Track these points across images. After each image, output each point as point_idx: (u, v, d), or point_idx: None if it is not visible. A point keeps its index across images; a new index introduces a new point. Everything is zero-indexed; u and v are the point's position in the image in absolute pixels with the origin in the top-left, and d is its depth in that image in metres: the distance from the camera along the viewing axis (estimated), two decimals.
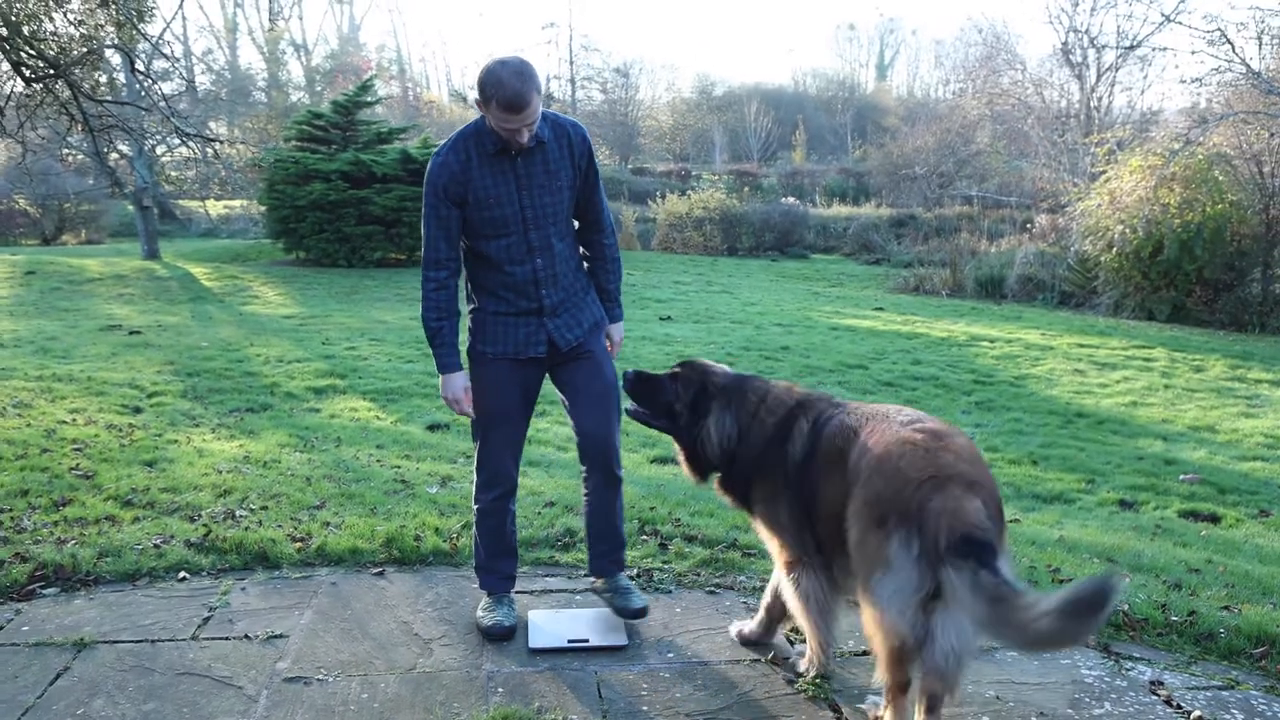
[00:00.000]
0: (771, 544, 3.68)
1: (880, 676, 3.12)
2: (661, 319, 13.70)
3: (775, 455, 3.53)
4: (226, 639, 3.85)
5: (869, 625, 3.06)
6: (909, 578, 2.85)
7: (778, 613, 3.85)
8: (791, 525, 3.50)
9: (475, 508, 4.10)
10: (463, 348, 3.97)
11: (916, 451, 2.98)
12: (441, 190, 3.72)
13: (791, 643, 3.93)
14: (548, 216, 3.79)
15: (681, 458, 3.85)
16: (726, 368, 3.83)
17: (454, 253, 3.84)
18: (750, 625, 3.92)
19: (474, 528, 4.12)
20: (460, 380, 3.92)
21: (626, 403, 3.91)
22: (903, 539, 2.85)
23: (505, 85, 3.46)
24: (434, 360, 3.96)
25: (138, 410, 7.97)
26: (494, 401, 3.97)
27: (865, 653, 3.85)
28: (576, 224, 4.04)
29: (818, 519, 3.39)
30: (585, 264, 4.11)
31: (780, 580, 3.65)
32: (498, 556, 4.09)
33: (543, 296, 3.85)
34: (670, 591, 4.42)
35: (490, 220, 3.74)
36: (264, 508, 5.34)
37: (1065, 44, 26.59)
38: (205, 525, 4.98)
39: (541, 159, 3.75)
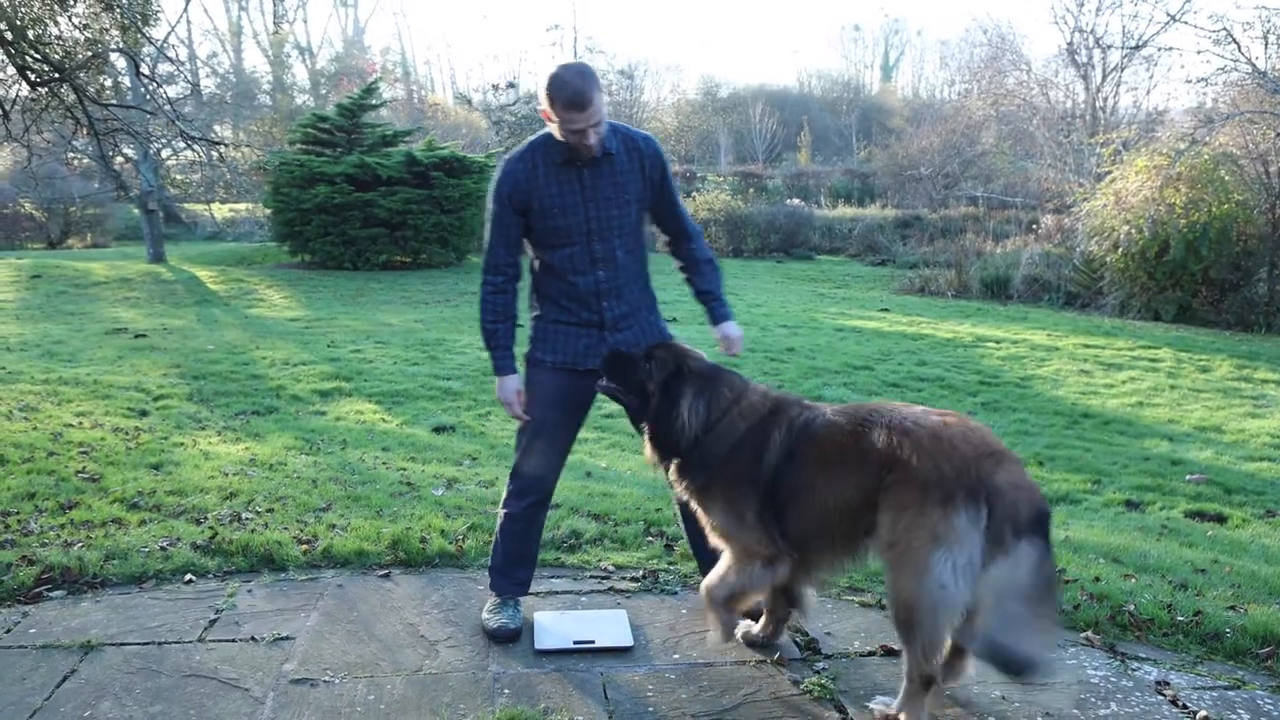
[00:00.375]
0: (729, 540, 3.61)
1: (911, 668, 3.12)
2: (667, 321, 13.57)
3: (749, 458, 3.51)
4: (233, 641, 3.86)
5: (908, 602, 3.04)
6: (976, 552, 2.91)
7: (783, 614, 3.86)
8: (759, 524, 3.50)
9: (503, 511, 4.06)
10: (519, 351, 3.99)
11: (962, 431, 3.09)
12: (505, 197, 3.75)
13: (798, 645, 3.93)
14: (613, 229, 3.79)
15: (646, 438, 3.75)
16: (702, 354, 3.78)
17: (513, 259, 3.87)
18: (755, 627, 3.92)
19: (497, 530, 4.08)
20: (514, 383, 3.93)
21: (600, 379, 3.83)
22: (972, 514, 2.91)
23: (567, 84, 3.50)
24: (491, 362, 3.99)
25: (144, 413, 7.99)
26: (545, 409, 3.94)
27: (871, 653, 3.85)
28: (662, 236, 4.03)
29: (799, 516, 3.41)
30: (682, 273, 4.10)
31: (750, 568, 3.56)
32: (516, 563, 4.07)
33: (604, 309, 3.86)
34: (676, 593, 4.42)
35: (554, 229, 3.77)
36: (270, 510, 5.35)
37: (1070, 44, 26.57)
38: (211, 528, 4.99)
39: (610, 171, 3.74)
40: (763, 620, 3.92)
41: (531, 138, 3.82)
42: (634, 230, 3.89)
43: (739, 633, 3.92)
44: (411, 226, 20.76)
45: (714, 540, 3.70)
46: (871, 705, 3.39)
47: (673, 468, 3.69)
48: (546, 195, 3.73)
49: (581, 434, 4.43)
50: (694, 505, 3.73)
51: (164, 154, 25.33)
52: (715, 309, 4.02)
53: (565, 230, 3.76)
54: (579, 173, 3.71)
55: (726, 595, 3.61)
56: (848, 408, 3.50)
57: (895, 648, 3.84)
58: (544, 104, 3.58)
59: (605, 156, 3.71)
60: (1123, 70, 26.58)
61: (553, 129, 3.64)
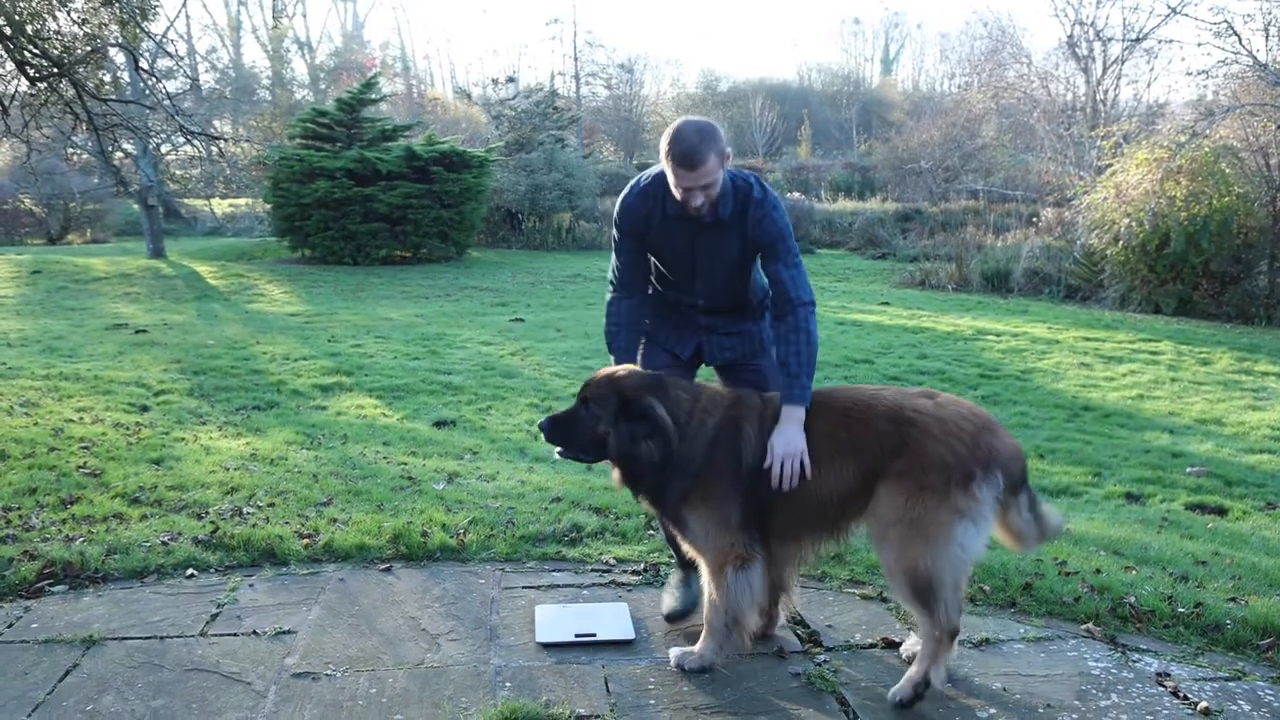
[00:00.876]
0: (712, 546, 3.51)
1: (935, 629, 3.31)
2: None
3: (727, 455, 3.47)
4: (235, 635, 3.87)
5: (928, 572, 3.24)
6: (991, 516, 3.25)
7: (771, 606, 3.86)
8: (744, 524, 3.48)
9: None
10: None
11: (956, 411, 3.31)
12: (626, 226, 3.83)
13: (799, 637, 3.93)
14: (717, 274, 3.81)
15: (615, 474, 3.60)
16: (631, 367, 3.71)
17: (630, 276, 3.90)
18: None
19: None
20: None
21: (555, 449, 3.63)
22: (991, 486, 3.19)
23: (684, 139, 3.46)
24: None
25: (145, 408, 7.99)
26: None
27: (872, 645, 3.86)
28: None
29: (791, 506, 3.43)
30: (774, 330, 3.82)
31: (724, 578, 3.50)
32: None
33: (701, 322, 3.95)
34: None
35: (662, 260, 3.87)
36: (271, 505, 5.35)
37: (1071, 37, 26.49)
38: (213, 522, 4.99)
39: (717, 232, 3.69)
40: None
41: (656, 170, 3.74)
42: (742, 274, 3.85)
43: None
44: (411, 221, 20.76)
45: (691, 550, 3.64)
46: (902, 650, 3.71)
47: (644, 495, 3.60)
48: (659, 234, 3.76)
49: None
50: (673, 522, 3.62)
51: (163, 149, 25.24)
52: (787, 388, 3.54)
53: (673, 265, 3.84)
54: (689, 226, 3.69)
55: (724, 624, 3.55)
56: (814, 395, 3.53)
57: (896, 640, 3.85)
58: (661, 152, 3.56)
59: (716, 221, 3.66)
60: (1123, 63, 26.52)
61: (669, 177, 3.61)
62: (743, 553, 3.48)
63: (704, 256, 3.76)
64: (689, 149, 3.43)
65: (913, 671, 3.40)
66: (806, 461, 3.37)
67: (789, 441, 3.39)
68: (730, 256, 3.75)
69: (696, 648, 3.63)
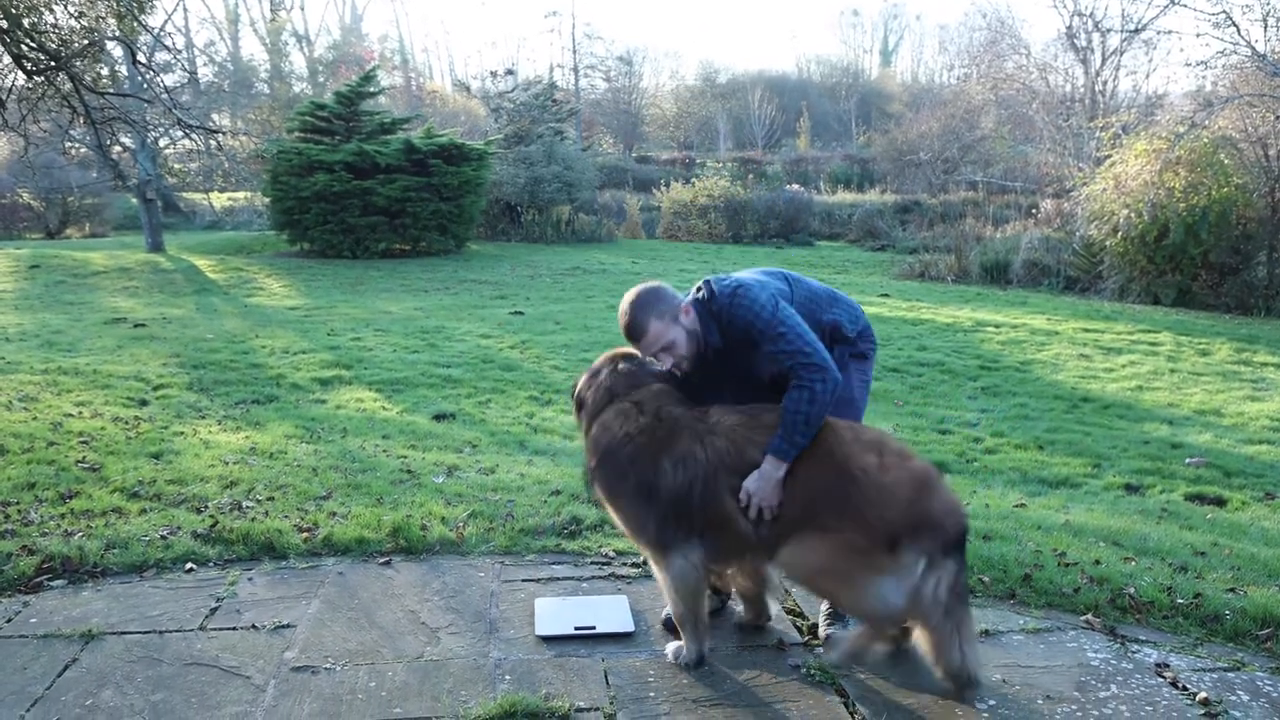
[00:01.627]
0: (640, 544, 3.65)
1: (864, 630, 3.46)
2: None
3: (643, 468, 3.51)
4: (234, 629, 3.87)
5: (854, 611, 3.52)
6: (916, 576, 3.19)
7: (758, 600, 3.93)
8: (662, 529, 3.51)
9: None
10: None
11: (893, 475, 3.27)
12: None
13: (799, 630, 3.94)
14: (758, 387, 3.71)
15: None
16: (633, 369, 3.76)
17: None
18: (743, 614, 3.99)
19: None
20: None
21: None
22: (915, 550, 3.18)
23: (624, 314, 3.60)
24: None
25: (144, 403, 7.98)
26: None
27: None
28: None
29: (714, 530, 3.48)
30: None
31: (659, 572, 3.62)
32: None
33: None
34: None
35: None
36: (270, 498, 5.35)
37: (1070, 28, 26.45)
38: (212, 516, 4.99)
39: (723, 360, 3.69)
40: (742, 608, 3.99)
41: None
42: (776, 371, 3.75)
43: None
44: (410, 214, 20.72)
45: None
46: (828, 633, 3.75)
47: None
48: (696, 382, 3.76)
49: None
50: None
51: (162, 143, 25.23)
52: (775, 435, 3.43)
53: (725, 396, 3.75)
54: (702, 364, 3.70)
55: (680, 615, 3.60)
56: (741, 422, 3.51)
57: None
58: None
59: (711, 350, 3.66)
60: (1122, 54, 26.48)
61: None
62: (667, 550, 3.51)
63: (733, 384, 3.73)
64: (629, 323, 3.59)
65: (853, 634, 3.49)
66: (769, 511, 3.35)
67: (760, 490, 3.36)
68: (749, 369, 3.68)
69: (683, 642, 3.65)
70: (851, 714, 3.33)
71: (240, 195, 32.97)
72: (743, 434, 3.45)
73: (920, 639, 3.43)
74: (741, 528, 3.39)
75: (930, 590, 3.19)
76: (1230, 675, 3.59)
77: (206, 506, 5.19)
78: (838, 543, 3.28)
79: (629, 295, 3.63)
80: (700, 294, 3.65)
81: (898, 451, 3.39)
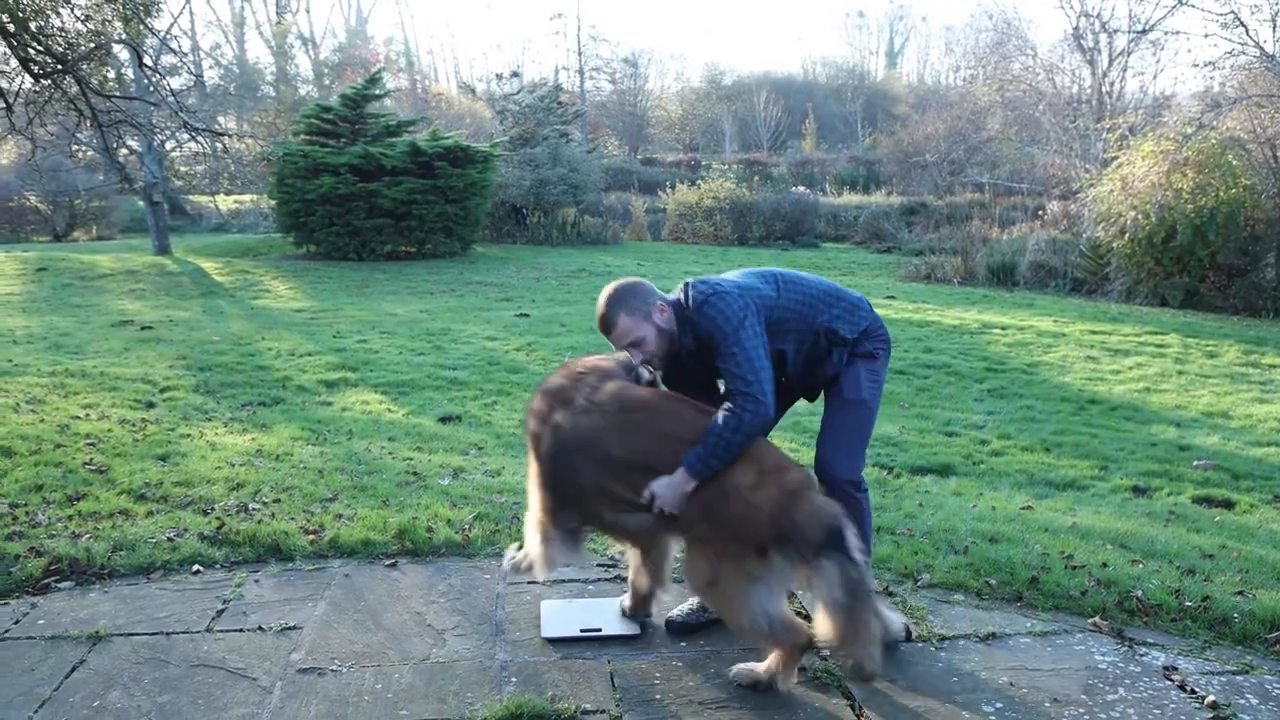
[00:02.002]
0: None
1: (775, 653, 3.44)
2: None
3: (537, 446, 3.75)
4: (240, 631, 3.87)
5: (734, 625, 3.49)
6: (787, 578, 3.35)
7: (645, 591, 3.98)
8: (547, 508, 3.76)
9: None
10: None
11: (764, 493, 3.33)
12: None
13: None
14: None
15: None
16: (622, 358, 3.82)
17: None
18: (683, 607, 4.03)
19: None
20: None
21: None
22: (785, 555, 3.26)
23: (599, 307, 3.71)
24: None
25: (150, 405, 8.00)
26: None
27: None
28: None
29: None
30: None
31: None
32: None
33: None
34: (682, 580, 4.41)
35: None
36: (277, 500, 5.36)
37: (1076, 29, 26.42)
38: (218, 518, 5.00)
39: (700, 361, 3.75)
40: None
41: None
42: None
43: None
44: (416, 216, 20.76)
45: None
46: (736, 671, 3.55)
47: None
48: (679, 380, 3.89)
49: None
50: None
51: (168, 146, 25.34)
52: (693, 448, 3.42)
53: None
54: (680, 364, 3.81)
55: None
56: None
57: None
58: None
59: (686, 353, 3.73)
60: (1129, 55, 26.45)
61: None
62: (547, 529, 3.74)
63: (705, 389, 3.88)
64: (600, 316, 3.70)
65: (764, 666, 3.48)
66: (667, 512, 3.43)
67: (665, 497, 3.41)
68: (719, 374, 3.78)
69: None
70: (858, 717, 3.32)
71: (246, 198, 33.07)
72: (614, 420, 3.54)
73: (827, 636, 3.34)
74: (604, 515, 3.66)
75: (825, 592, 3.19)
76: (1239, 678, 3.58)
77: (213, 508, 5.19)
78: (714, 552, 3.40)
79: (606, 289, 3.72)
80: (677, 296, 3.72)
81: (775, 466, 3.44)
